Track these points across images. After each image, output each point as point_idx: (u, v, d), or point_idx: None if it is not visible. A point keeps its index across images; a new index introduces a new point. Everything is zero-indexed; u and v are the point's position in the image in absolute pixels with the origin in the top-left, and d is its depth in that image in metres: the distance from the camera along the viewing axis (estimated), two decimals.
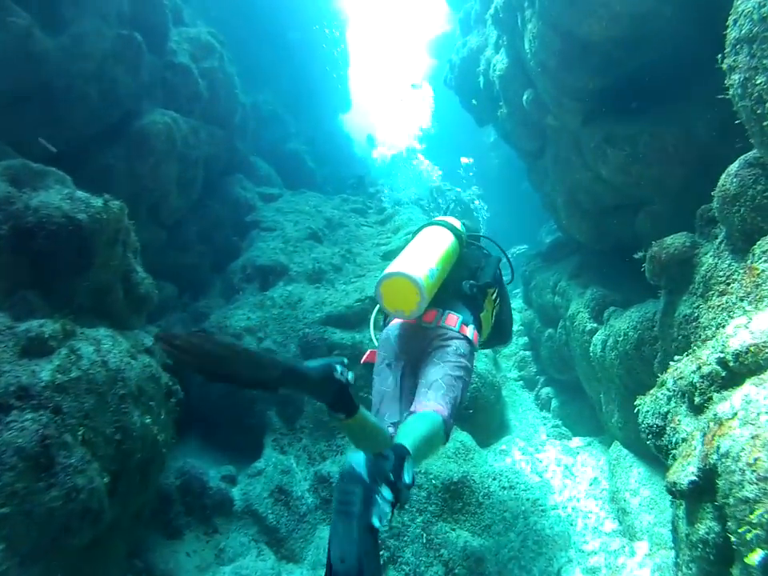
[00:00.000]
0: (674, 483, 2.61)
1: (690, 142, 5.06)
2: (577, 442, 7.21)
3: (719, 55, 3.33)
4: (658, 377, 3.54)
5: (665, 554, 4.66)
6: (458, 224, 3.66)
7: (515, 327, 8.20)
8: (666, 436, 3.13)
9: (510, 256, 4.01)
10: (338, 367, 2.25)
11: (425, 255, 3.14)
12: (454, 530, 5.29)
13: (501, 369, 9.15)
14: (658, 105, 5.27)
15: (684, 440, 2.88)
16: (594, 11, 4.80)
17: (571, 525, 5.75)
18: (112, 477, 3.49)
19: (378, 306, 3.29)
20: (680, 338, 3.97)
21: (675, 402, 3.17)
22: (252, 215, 10.80)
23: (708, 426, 2.42)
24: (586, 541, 5.52)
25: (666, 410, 3.22)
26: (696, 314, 3.74)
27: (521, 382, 9.06)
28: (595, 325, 6.41)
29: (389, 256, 10.71)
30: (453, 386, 2.76)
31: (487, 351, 8.17)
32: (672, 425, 3.09)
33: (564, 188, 7.10)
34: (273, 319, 7.69)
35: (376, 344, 3.45)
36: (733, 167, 3.52)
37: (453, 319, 3.07)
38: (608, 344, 5.79)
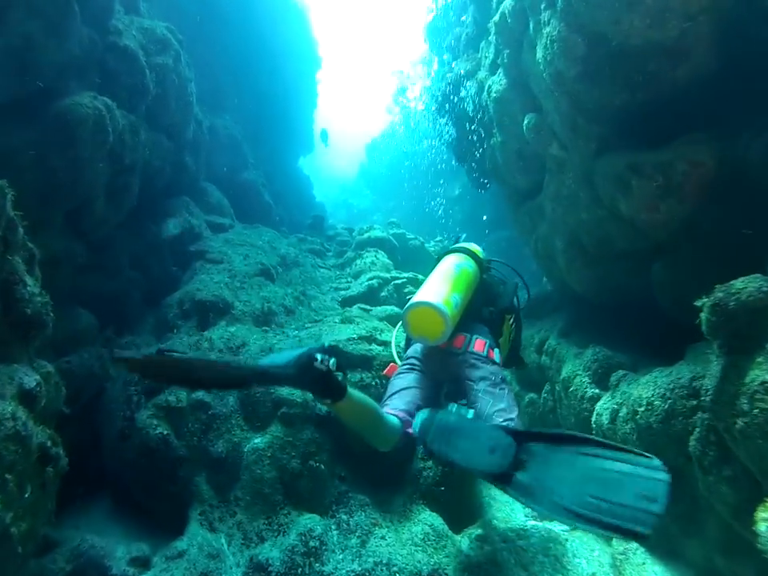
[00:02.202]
0: None
1: (738, 174, 4.19)
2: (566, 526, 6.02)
3: None
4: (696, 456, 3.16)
5: None
6: (478, 250, 3.93)
7: None
8: None
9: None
10: (318, 356, 2.29)
11: (449, 283, 3.36)
12: None
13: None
14: (698, 128, 4.42)
15: None
16: (638, 3, 3.93)
17: None
18: None
19: (400, 324, 3.64)
20: (755, 411, 2.98)
21: None
22: (197, 244, 9.57)
23: None
24: None
25: None
26: None
27: None
28: (597, 391, 5.51)
29: (348, 302, 9.76)
30: (503, 397, 3.02)
31: None
32: None
33: (566, 230, 6.18)
34: None
35: (397, 360, 3.88)
36: None
37: (480, 344, 3.32)
38: (620, 415, 4.82)
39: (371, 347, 6.52)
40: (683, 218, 4.56)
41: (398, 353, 4.08)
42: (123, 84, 6.73)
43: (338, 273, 11.75)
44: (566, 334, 6.86)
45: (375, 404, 2.79)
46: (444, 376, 3.37)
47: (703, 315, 3.42)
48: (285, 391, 6.09)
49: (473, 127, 8.29)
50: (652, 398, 4.36)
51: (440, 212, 20.50)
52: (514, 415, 2.83)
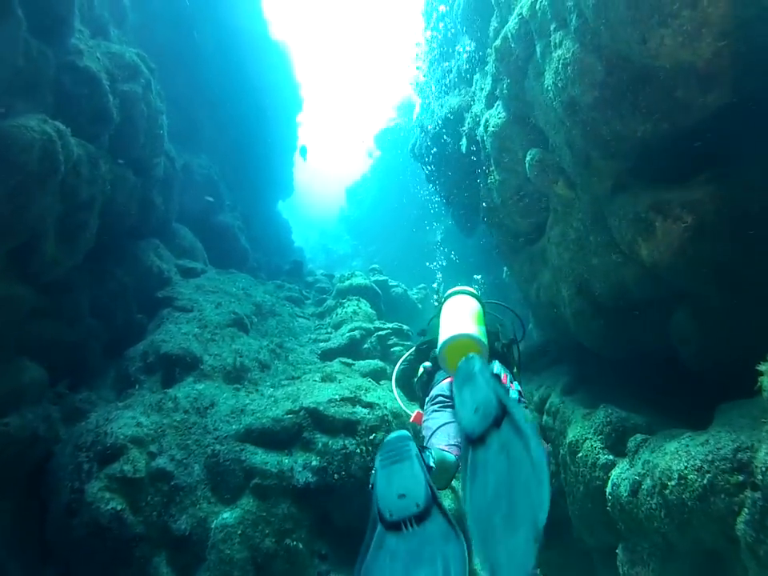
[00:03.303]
0: None
1: None
2: None
3: None
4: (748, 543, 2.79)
5: None
6: (476, 292, 4.02)
7: None
8: None
9: None
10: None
11: (474, 319, 3.52)
12: None
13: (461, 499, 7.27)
14: (717, 163, 3.91)
15: None
16: (673, 17, 3.41)
17: None
18: None
19: (399, 366, 4.28)
20: None
21: None
22: (165, 290, 8.88)
23: None
24: None
25: None
26: None
27: None
28: (611, 457, 4.90)
29: (328, 355, 9.07)
30: None
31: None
32: None
33: (573, 277, 5.59)
34: (173, 428, 5.80)
35: (399, 400, 4.30)
36: None
37: (504, 378, 3.26)
38: (644, 487, 4.21)
39: (355, 410, 5.87)
40: (715, 262, 4.00)
41: (399, 394, 4.38)
42: (82, 109, 6.01)
43: (317, 322, 11.10)
44: (570, 392, 6.25)
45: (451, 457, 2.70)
46: None
47: (765, 380, 3.06)
48: (258, 459, 5.50)
49: (465, 167, 7.81)
50: (685, 471, 3.73)
51: (424, 257, 20.08)
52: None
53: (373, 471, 1.99)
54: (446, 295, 4.03)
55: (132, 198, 7.84)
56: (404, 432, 2.04)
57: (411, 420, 3.59)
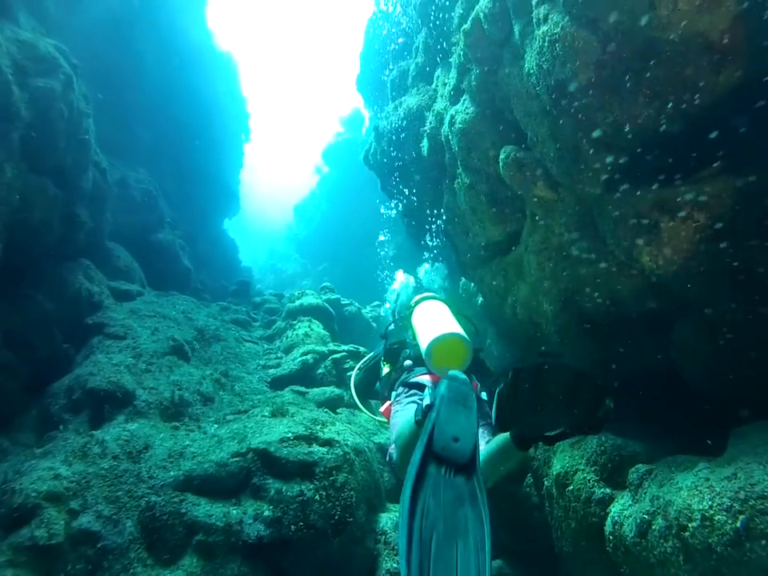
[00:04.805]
0: None
1: None
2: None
3: None
4: None
5: None
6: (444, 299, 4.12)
7: None
8: None
9: None
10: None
11: (455, 321, 3.56)
12: None
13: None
14: (745, 151, 3.42)
15: None
16: None
17: None
18: None
19: (356, 372, 4.50)
20: None
21: None
22: (96, 316, 8.00)
23: None
24: None
25: None
26: None
27: None
28: (609, 491, 4.33)
29: (279, 383, 8.34)
30: (487, 432, 3.18)
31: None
32: None
33: (557, 290, 4.96)
34: (100, 477, 4.96)
35: (360, 407, 4.26)
36: None
37: (474, 386, 3.53)
38: (655, 528, 3.64)
39: (312, 449, 5.18)
40: (731, 268, 3.47)
41: (361, 401, 4.33)
42: None
43: (266, 346, 10.33)
44: None
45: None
46: None
47: None
48: (201, 511, 4.75)
49: (427, 171, 7.25)
50: (710, 511, 3.13)
51: (376, 274, 19.50)
52: None
53: (434, 399, 2.01)
54: (416, 301, 4.07)
55: (53, 212, 6.93)
56: (467, 379, 2.06)
57: (381, 411, 3.65)
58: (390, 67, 9.11)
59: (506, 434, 2.35)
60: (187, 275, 13.26)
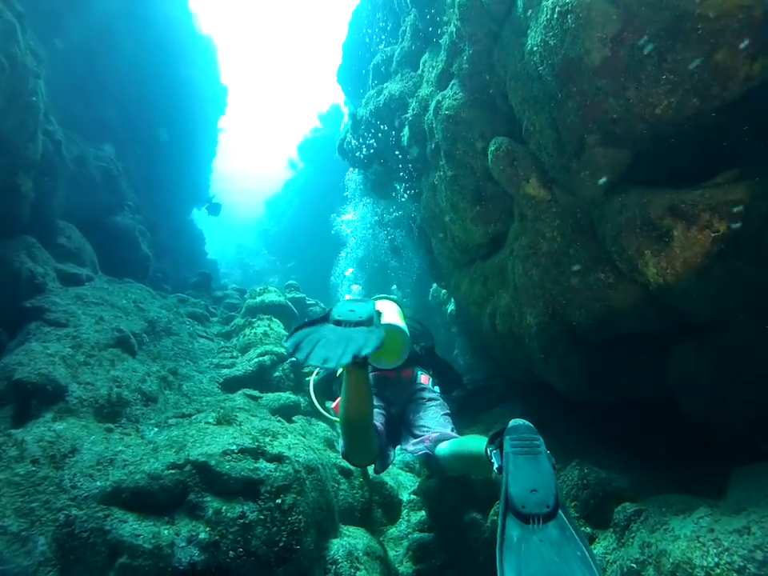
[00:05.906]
0: None
1: None
2: None
3: None
4: None
5: None
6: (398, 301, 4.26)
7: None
8: None
9: None
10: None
11: (397, 315, 3.74)
12: None
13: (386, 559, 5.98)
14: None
15: None
16: None
17: None
18: None
19: (317, 372, 4.58)
20: None
21: None
22: (36, 299, 7.31)
23: None
24: None
25: None
26: None
27: None
28: (589, 530, 3.83)
29: (232, 385, 7.78)
30: (450, 421, 3.50)
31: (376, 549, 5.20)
32: None
33: (543, 301, 4.43)
34: (12, 485, 4.29)
35: (318, 407, 4.48)
36: None
37: (426, 378, 3.86)
38: None
39: (258, 465, 4.59)
40: (750, 285, 3.01)
41: (317, 400, 4.53)
42: None
43: (222, 344, 9.74)
44: None
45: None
46: (393, 400, 3.74)
47: None
48: (127, 530, 4.11)
49: (405, 163, 6.80)
50: (717, 570, 2.65)
51: (345, 274, 18.90)
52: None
53: (499, 456, 2.05)
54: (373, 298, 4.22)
55: None
56: (528, 423, 2.08)
57: (333, 407, 3.84)
58: (374, 51, 8.74)
59: (483, 446, 2.36)
60: (145, 263, 12.54)
